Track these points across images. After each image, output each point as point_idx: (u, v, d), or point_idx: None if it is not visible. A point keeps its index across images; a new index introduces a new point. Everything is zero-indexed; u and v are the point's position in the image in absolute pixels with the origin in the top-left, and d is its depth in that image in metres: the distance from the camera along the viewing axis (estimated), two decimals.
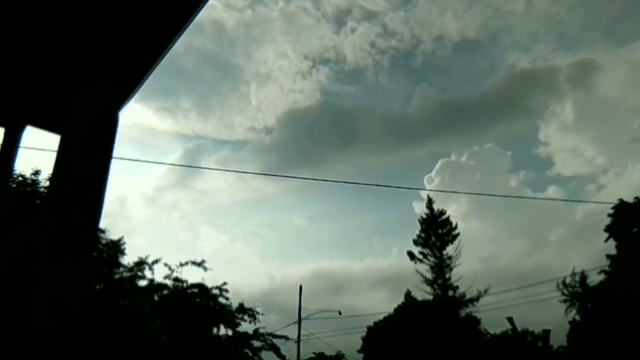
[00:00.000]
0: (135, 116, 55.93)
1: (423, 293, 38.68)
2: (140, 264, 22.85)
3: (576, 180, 72.44)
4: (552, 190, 62.81)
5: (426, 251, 39.06)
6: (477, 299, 36.62)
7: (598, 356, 30.17)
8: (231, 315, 25.61)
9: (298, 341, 31.49)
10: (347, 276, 67.68)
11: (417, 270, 38.53)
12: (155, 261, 23.47)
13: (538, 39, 74.47)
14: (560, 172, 72.93)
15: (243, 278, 62.45)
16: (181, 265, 24.43)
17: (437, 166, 63.48)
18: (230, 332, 25.86)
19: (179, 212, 70.95)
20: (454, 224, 39.74)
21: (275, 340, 26.71)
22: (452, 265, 37.92)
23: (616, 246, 32.60)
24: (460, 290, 37.14)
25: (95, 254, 17.04)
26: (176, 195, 71.43)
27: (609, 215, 33.19)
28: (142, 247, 53.48)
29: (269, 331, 26.89)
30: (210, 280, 25.32)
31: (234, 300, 26.09)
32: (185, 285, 24.63)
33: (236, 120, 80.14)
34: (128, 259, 22.55)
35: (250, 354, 26.42)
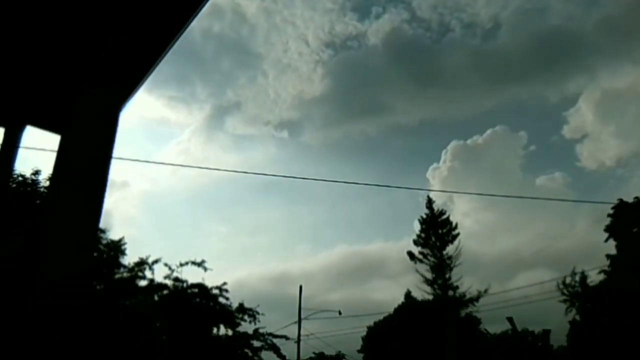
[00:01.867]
0: (149, 105, 55.23)
1: (423, 293, 38.78)
2: (141, 264, 22.89)
3: None
4: None
5: (426, 251, 39.06)
6: (477, 298, 36.70)
7: (598, 356, 30.15)
8: (231, 315, 25.64)
9: (298, 341, 31.54)
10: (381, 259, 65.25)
11: (417, 270, 38.64)
12: (156, 261, 23.55)
13: None
14: None
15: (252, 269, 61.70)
16: (181, 265, 24.50)
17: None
18: (230, 332, 25.91)
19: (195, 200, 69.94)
20: (454, 224, 39.85)
21: (275, 340, 26.77)
22: (452, 265, 37.98)
23: (616, 246, 32.58)
24: (460, 290, 37.24)
25: (95, 254, 17.04)
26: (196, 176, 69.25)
27: (609, 215, 33.16)
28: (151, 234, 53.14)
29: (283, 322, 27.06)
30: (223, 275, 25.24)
31: (250, 288, 26.33)
32: (185, 285, 24.68)
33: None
34: (137, 253, 22.66)
35: (250, 354, 26.44)
